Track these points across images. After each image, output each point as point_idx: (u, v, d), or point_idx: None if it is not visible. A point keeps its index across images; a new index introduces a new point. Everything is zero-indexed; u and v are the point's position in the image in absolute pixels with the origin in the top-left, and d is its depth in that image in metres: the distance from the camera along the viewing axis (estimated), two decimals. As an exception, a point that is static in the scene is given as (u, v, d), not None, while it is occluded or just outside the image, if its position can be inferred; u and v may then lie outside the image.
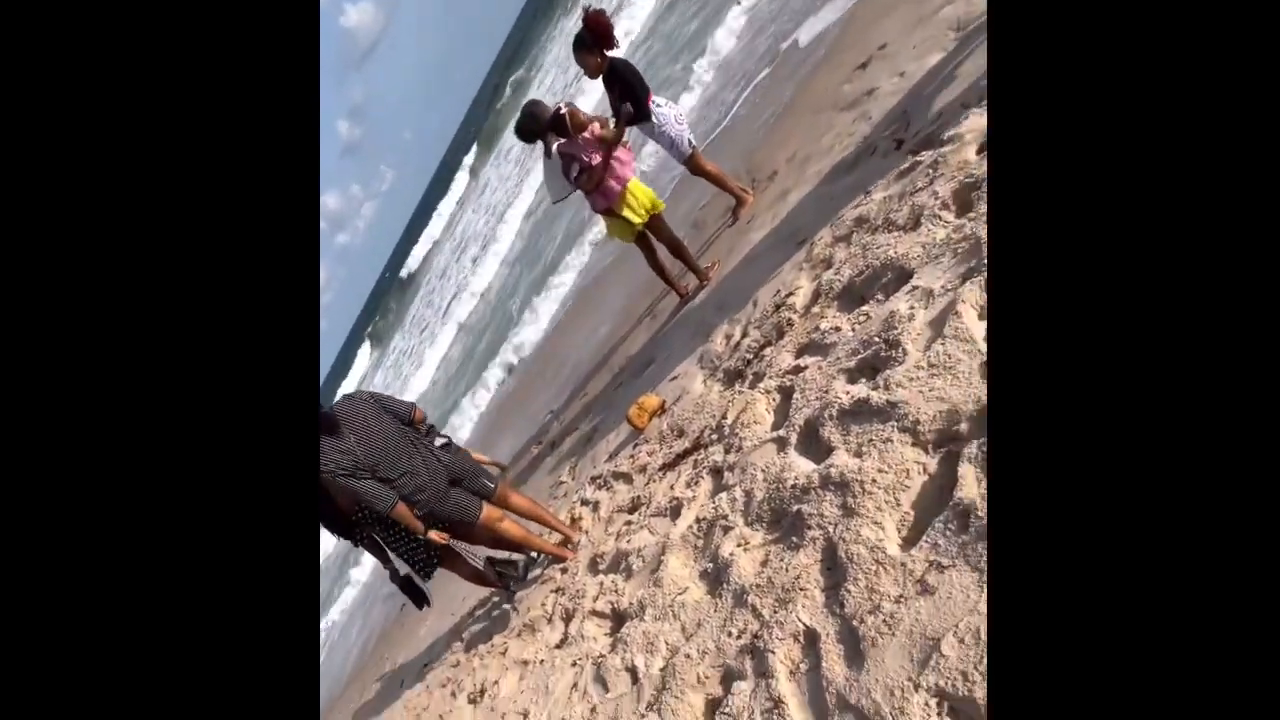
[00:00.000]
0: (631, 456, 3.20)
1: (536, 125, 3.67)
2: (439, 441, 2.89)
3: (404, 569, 3.50)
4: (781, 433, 2.05)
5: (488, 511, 2.93)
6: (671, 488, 2.54)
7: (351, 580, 12.33)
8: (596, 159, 3.61)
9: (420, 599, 3.40)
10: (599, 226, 9.06)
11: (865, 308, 2.09)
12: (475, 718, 2.79)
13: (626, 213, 3.76)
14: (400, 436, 2.73)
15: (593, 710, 1.90)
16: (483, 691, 2.90)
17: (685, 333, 3.78)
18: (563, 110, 3.63)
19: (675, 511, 2.35)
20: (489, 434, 8.89)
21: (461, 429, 10.51)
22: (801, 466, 1.81)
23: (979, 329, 1.50)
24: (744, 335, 2.94)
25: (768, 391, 2.32)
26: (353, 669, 8.73)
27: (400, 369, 19.87)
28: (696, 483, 2.36)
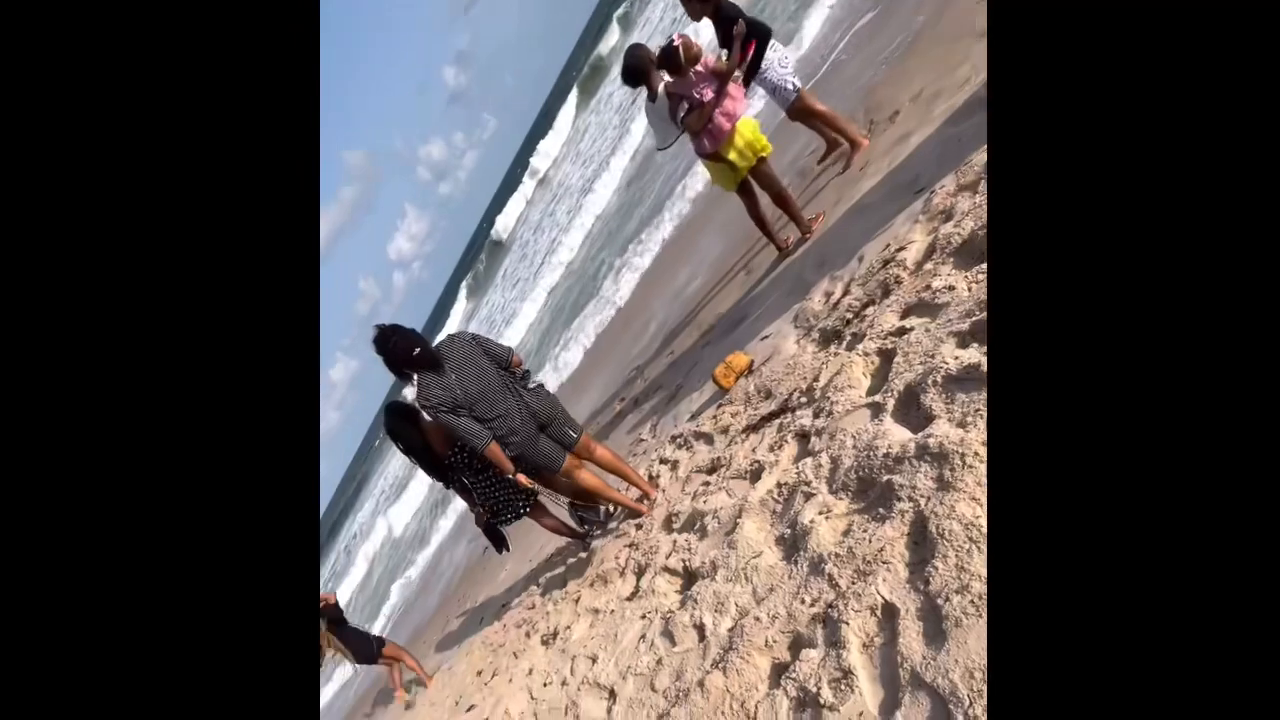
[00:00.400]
0: (714, 417, 3.20)
1: (641, 65, 3.59)
2: (532, 385, 3.03)
3: (489, 515, 3.78)
4: (877, 398, 1.95)
5: (569, 460, 3.09)
6: (753, 450, 2.51)
7: (439, 528, 13.56)
8: (709, 94, 3.48)
9: (501, 544, 3.68)
10: (699, 176, 8.90)
11: (984, 265, 1.90)
12: (547, 657, 3.01)
13: (732, 155, 3.62)
14: (498, 379, 2.89)
15: (658, 662, 1.98)
16: (555, 634, 3.12)
17: (781, 289, 3.66)
18: (676, 43, 3.52)
19: (755, 475, 2.33)
20: (573, 389, 9.25)
21: (549, 383, 11.00)
22: (896, 435, 1.72)
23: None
24: (845, 293, 2.79)
25: (866, 354, 2.20)
26: (439, 602, 9.70)
27: (494, 323, 20.99)
28: (780, 447, 2.32)
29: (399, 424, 3.25)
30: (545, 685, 2.75)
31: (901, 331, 2.10)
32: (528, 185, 31.33)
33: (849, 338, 2.45)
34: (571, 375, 10.14)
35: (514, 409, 2.92)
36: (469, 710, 3.58)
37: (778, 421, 2.52)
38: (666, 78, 3.56)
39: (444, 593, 9.70)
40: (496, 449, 2.88)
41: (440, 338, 3.00)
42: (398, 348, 2.78)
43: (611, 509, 3.37)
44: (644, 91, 3.68)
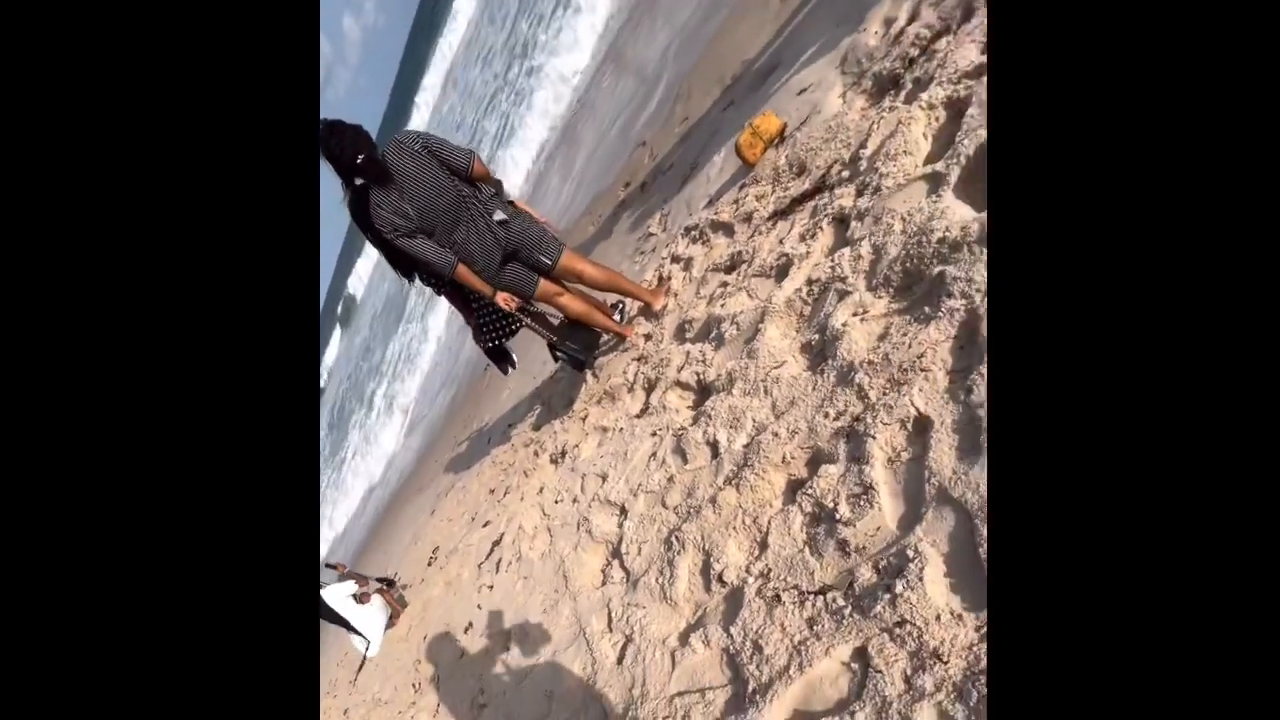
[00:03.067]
0: (736, 201, 3.09)
1: None
2: (498, 216, 2.94)
3: (489, 337, 3.93)
4: (939, 166, 1.82)
5: (543, 287, 3.11)
6: (781, 241, 2.46)
7: (429, 333, 14.26)
8: None
9: (504, 361, 3.87)
10: None
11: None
12: (557, 475, 3.35)
13: None
14: (455, 200, 2.81)
15: (670, 479, 2.19)
16: (564, 453, 3.43)
17: (827, 18, 3.25)
18: None
19: (782, 271, 2.31)
20: (562, 168, 8.93)
21: (519, 168, 10.62)
22: (958, 214, 1.64)
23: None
24: (913, 18, 2.47)
25: (931, 106, 2.01)
26: (441, 423, 10.66)
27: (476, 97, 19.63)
28: (814, 235, 2.26)
29: (365, 221, 3.21)
30: (556, 502, 3.10)
31: (983, 71, 1.88)
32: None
33: (910, 85, 2.22)
34: (562, 144, 9.74)
35: (471, 237, 2.88)
36: (485, 525, 4.13)
37: (811, 204, 2.42)
38: None
39: (446, 414, 10.59)
40: (464, 271, 2.89)
41: (387, 144, 2.78)
42: (339, 153, 2.69)
43: (601, 336, 3.46)
44: None
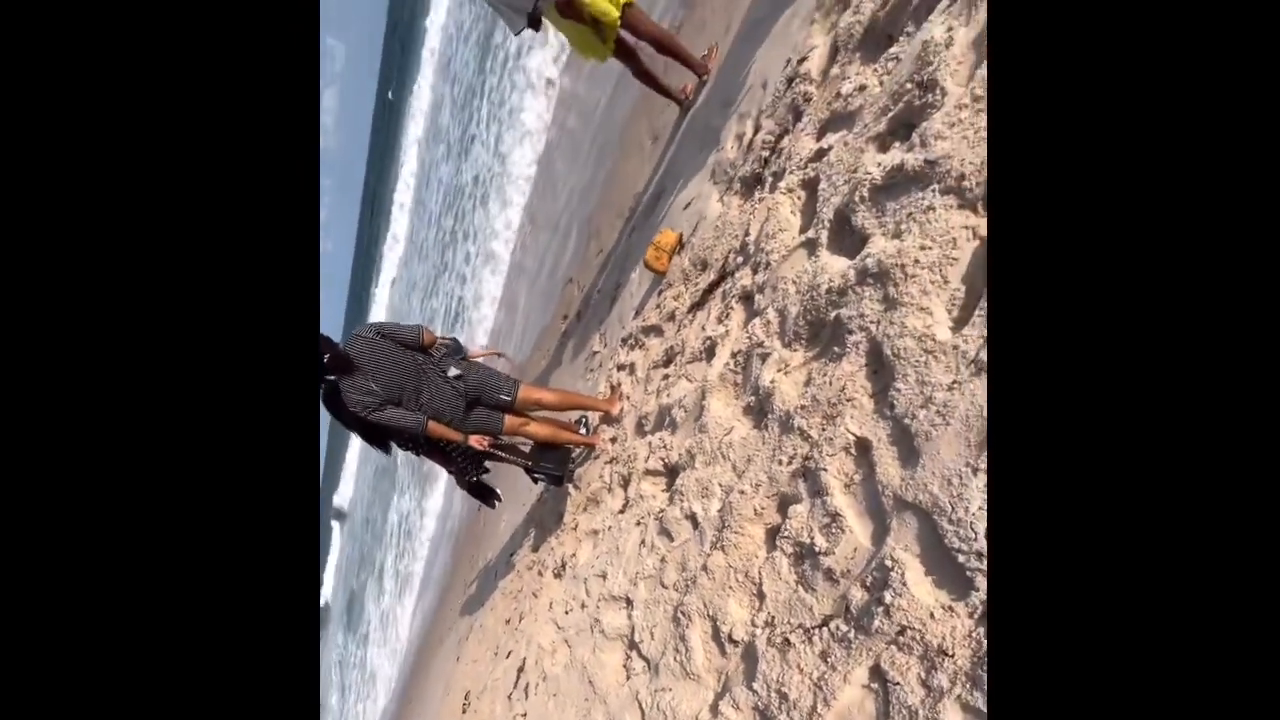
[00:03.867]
0: (658, 306, 3.18)
1: None
2: (452, 372, 3.04)
3: (468, 476, 3.84)
4: (810, 234, 1.93)
5: (509, 422, 3.16)
6: (703, 328, 2.52)
7: (428, 510, 13.81)
8: None
9: (489, 497, 3.75)
10: (559, 56, 8.30)
11: (894, 49, 1.82)
12: (562, 588, 3.16)
13: (592, 5, 3.27)
14: (412, 369, 2.93)
15: (662, 560, 2.08)
16: (564, 565, 3.26)
17: (692, 147, 3.52)
18: None
19: (710, 352, 2.35)
20: (508, 317, 9.09)
21: (481, 321, 10.83)
22: (835, 266, 1.71)
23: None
24: (756, 130, 2.69)
25: (790, 190, 2.15)
26: (446, 573, 10.05)
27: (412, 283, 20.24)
28: (728, 315, 2.32)
29: (339, 409, 3.20)
30: (567, 613, 2.90)
31: (821, 154, 2.04)
32: (408, 150, 28.88)
33: (770, 178, 2.39)
34: (502, 303, 9.94)
35: (435, 395, 2.99)
36: (507, 656, 3.81)
37: (720, 290, 2.50)
38: None
39: (450, 564, 10.01)
40: (436, 426, 2.97)
41: (349, 339, 2.93)
42: None
43: (572, 450, 3.45)
44: None
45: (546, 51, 8.97)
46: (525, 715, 3.01)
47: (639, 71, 3.70)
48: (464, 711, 4.85)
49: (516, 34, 3.68)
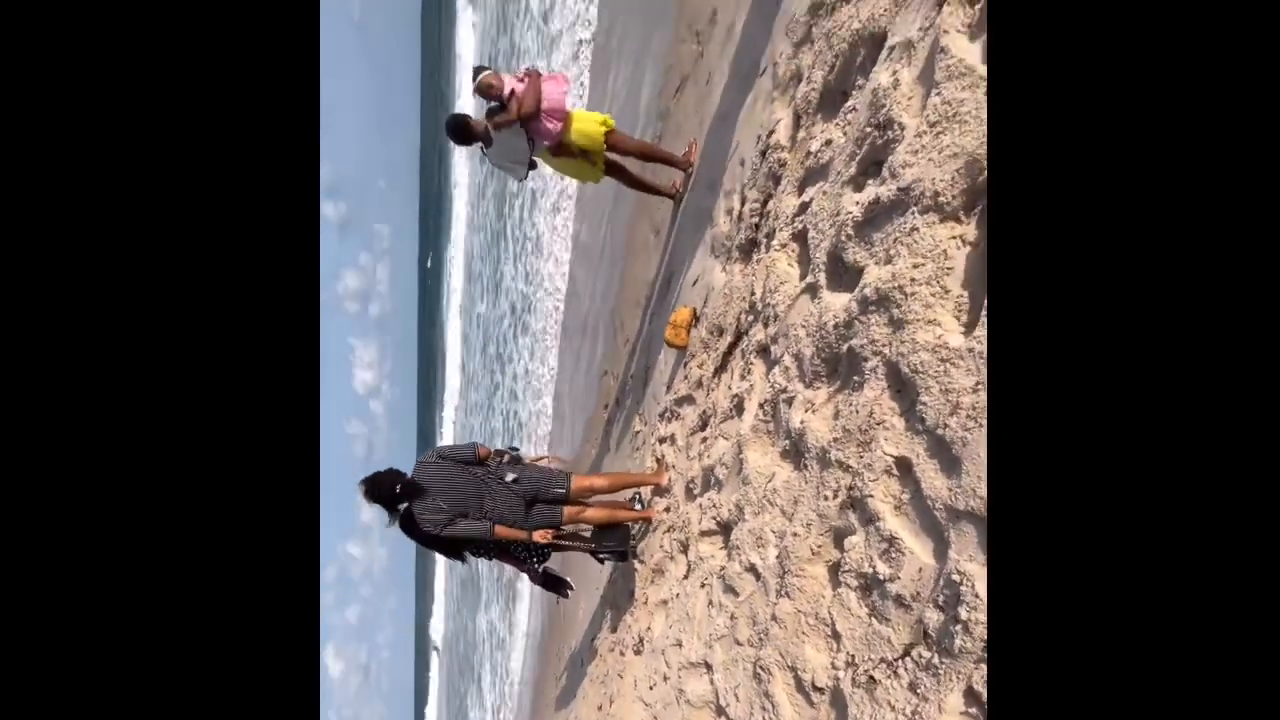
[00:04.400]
0: (685, 377, 3.15)
1: (460, 121, 3.65)
2: (509, 477, 3.11)
3: (537, 569, 3.76)
4: (810, 279, 1.91)
5: (568, 512, 3.18)
6: (729, 387, 2.47)
7: (516, 620, 13.46)
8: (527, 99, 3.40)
9: (562, 587, 3.64)
10: (561, 188, 8.88)
11: (850, 102, 1.87)
12: (643, 664, 2.95)
13: (578, 140, 3.52)
14: (473, 482, 3.03)
15: (732, 617, 1.93)
16: (641, 640, 3.05)
17: (689, 230, 3.62)
18: (488, 80, 3.45)
19: (739, 408, 2.29)
20: (557, 418, 9.14)
21: (536, 427, 10.94)
22: (838, 303, 1.68)
23: (974, 53, 1.28)
24: (743, 201, 2.75)
25: (784, 245, 2.16)
26: (538, 673, 9.55)
27: (477, 404, 20.99)
28: (749, 370, 2.28)
29: (415, 531, 3.24)
30: (651, 688, 2.69)
31: (804, 208, 2.06)
32: (450, 297, 30.95)
33: (764, 240, 2.41)
34: (551, 406, 10.04)
35: (497, 503, 3.05)
36: (602, 750, 3.51)
37: (738, 349, 2.48)
38: (488, 120, 3.51)
39: (538, 662, 9.54)
40: (503, 529, 3.01)
41: (414, 467, 3.07)
42: (381, 493, 2.99)
43: (631, 527, 3.39)
44: (478, 147, 3.66)
45: (550, 185, 9.63)
46: (628, 809, 2.72)
47: (631, 181, 3.90)
48: (569, 815, 4.43)
49: (521, 181, 4.00)
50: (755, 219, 2.52)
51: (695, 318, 3.21)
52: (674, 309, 3.39)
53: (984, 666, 0.97)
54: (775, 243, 2.19)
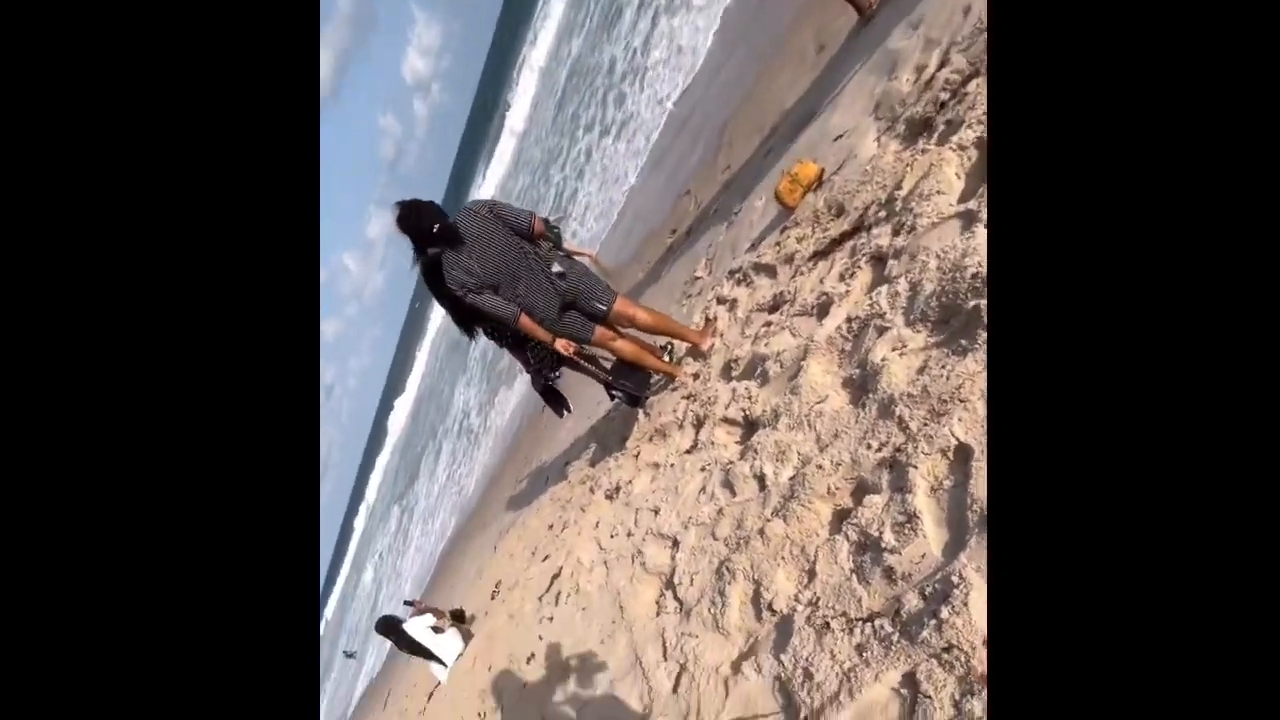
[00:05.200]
0: (778, 244, 3.14)
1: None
2: (555, 269, 3.13)
3: (543, 376, 4.10)
4: (971, 205, 1.84)
5: (600, 333, 3.27)
6: (821, 281, 2.50)
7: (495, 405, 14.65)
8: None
9: (560, 406, 4.00)
10: None
11: None
12: (612, 511, 3.39)
13: None
14: (518, 257, 3.04)
15: (719, 512, 2.20)
16: (618, 489, 3.47)
17: (861, 66, 3.32)
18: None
19: (823, 310, 2.34)
20: (613, 217, 9.17)
21: (587, 213, 11.00)
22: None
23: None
24: (942, 64, 2.51)
25: (962, 147, 2.04)
26: (500, 464, 10.82)
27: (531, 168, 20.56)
28: (852, 274, 2.29)
29: (436, 283, 3.41)
30: (612, 536, 3.14)
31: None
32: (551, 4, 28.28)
33: (942, 127, 2.25)
34: (611, 200, 9.99)
35: (534, 290, 3.09)
36: (544, 560, 4.18)
37: (850, 244, 2.45)
38: None
39: (504, 457, 10.75)
40: (528, 320, 3.08)
41: (459, 212, 3.07)
42: (417, 225, 2.98)
43: (652, 375, 3.55)
44: None
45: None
46: (552, 619, 3.33)
47: None
48: (493, 598, 5.41)
49: None
50: (945, 95, 2.33)
51: (819, 181, 3.10)
52: (799, 158, 3.26)
53: (934, 664, 1.17)
54: (954, 139, 2.05)
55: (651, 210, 7.45)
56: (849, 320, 2.11)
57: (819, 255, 2.67)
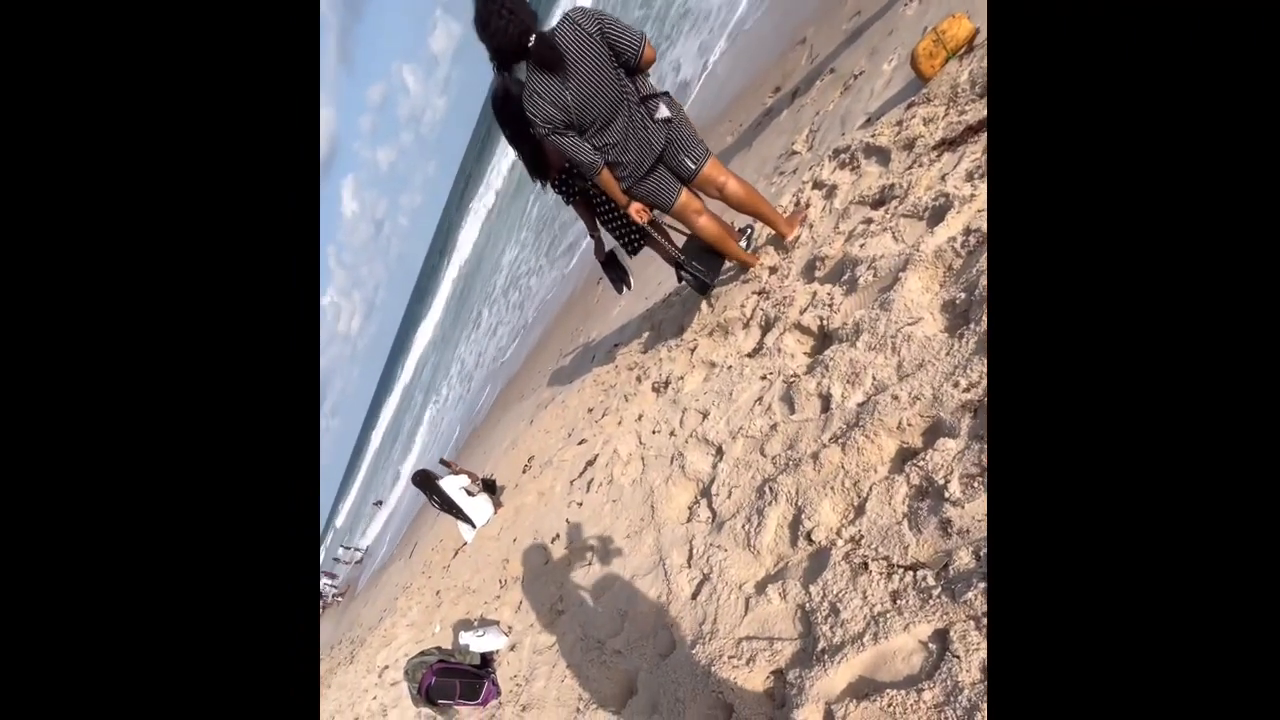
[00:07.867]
0: (900, 122, 2.97)
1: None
2: (660, 114, 2.86)
3: (610, 242, 4.08)
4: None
5: (683, 200, 3.06)
6: (943, 178, 2.38)
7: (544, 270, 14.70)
8: None
9: (621, 280, 4.02)
10: None
11: None
12: (657, 405, 3.52)
13: None
14: (616, 90, 2.73)
15: (773, 427, 2.27)
16: (667, 383, 3.58)
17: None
18: None
19: (937, 214, 2.25)
20: (707, 78, 8.73)
21: (682, 65, 10.48)
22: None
23: None
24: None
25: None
26: (545, 332, 11.13)
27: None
28: (983, 175, 2.17)
29: (510, 114, 3.21)
30: (654, 432, 3.28)
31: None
32: None
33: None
34: (723, 49, 9.49)
35: (629, 139, 2.84)
36: (580, 443, 4.42)
37: (987, 134, 2.30)
38: None
39: (554, 320, 11.03)
40: (608, 177, 2.89)
41: (557, 20, 2.68)
42: (504, 32, 2.55)
43: (726, 262, 3.50)
44: None
45: None
46: (581, 505, 3.58)
47: None
48: (524, 472, 5.79)
49: None
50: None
51: (970, 45, 2.87)
52: (952, 13, 2.99)
53: (971, 626, 1.24)
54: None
55: (754, 58, 7.04)
56: (966, 232, 2.03)
57: (946, 145, 2.52)
